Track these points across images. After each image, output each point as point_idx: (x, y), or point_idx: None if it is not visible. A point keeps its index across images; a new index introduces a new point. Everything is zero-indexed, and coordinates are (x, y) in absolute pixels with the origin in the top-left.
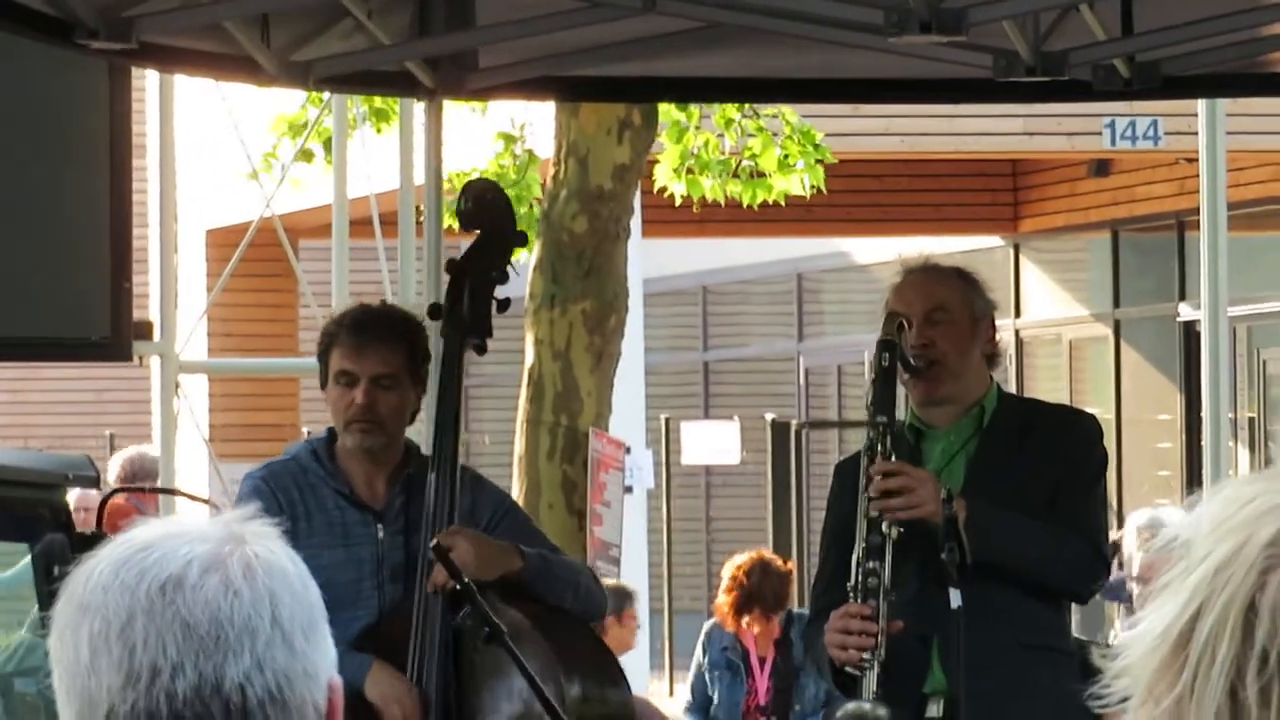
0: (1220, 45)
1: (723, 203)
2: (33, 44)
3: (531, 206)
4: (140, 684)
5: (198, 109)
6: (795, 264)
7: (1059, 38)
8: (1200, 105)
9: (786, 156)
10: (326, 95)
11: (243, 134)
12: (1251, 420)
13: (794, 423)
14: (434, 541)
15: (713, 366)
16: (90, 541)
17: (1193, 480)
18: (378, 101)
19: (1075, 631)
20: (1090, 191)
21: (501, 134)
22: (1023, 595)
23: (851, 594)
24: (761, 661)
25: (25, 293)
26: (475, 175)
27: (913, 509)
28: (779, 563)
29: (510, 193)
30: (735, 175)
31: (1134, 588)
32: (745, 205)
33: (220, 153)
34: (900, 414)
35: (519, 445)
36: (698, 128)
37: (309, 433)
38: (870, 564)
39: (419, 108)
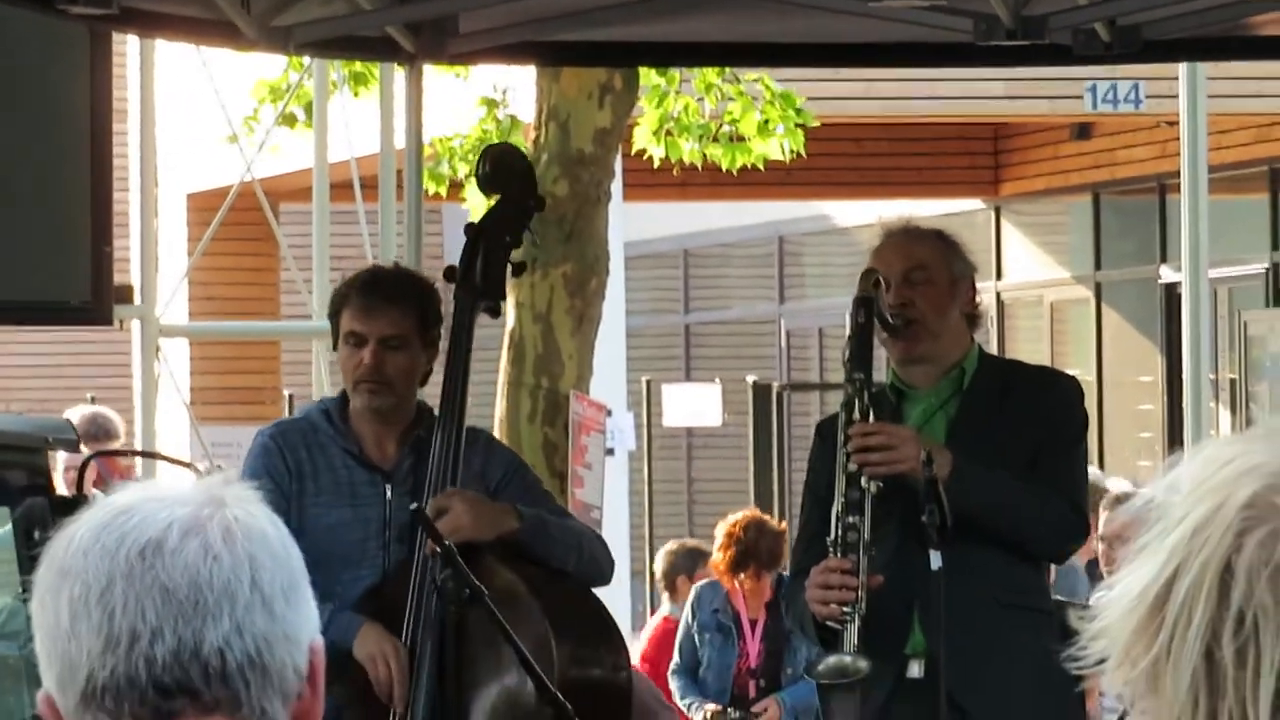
0: (1200, 8)
1: (701, 166)
2: (13, 9)
3: None
4: (120, 649)
5: (178, 73)
6: (776, 227)
7: (1039, 2)
8: (1181, 69)
9: (766, 121)
10: (307, 60)
11: (223, 98)
12: (1233, 382)
13: (775, 385)
14: (414, 505)
15: (694, 329)
16: (70, 505)
17: (1174, 442)
18: (357, 66)
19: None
20: (1071, 155)
21: (484, 99)
22: (1001, 554)
23: (831, 548)
24: (753, 624)
25: (5, 257)
26: (456, 140)
27: (893, 464)
28: (773, 522)
29: None
30: (715, 139)
31: (1098, 547)
32: (725, 169)
33: (201, 117)
34: (881, 375)
35: (500, 408)
36: (678, 92)
37: (290, 396)
38: (850, 519)
39: (399, 72)
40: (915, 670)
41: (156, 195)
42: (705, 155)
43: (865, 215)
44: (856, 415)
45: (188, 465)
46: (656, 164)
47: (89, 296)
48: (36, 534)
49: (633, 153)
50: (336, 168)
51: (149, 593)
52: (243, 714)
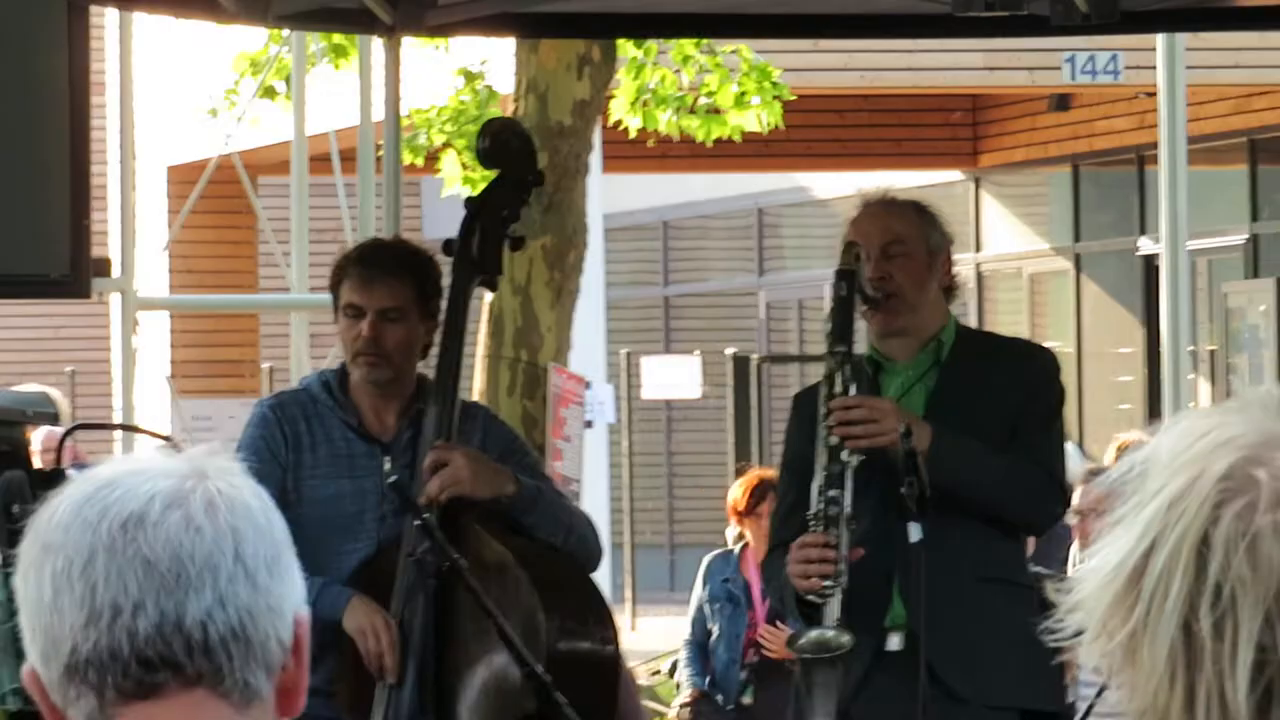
0: None
1: (678, 138)
2: None
3: None
4: (102, 622)
5: (157, 46)
6: (756, 199)
7: None
8: (1159, 40)
9: (743, 93)
10: (286, 32)
11: (203, 70)
12: (1212, 353)
13: (754, 357)
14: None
15: (673, 301)
16: (50, 479)
17: (1154, 413)
18: (336, 38)
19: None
20: (1050, 126)
21: (461, 70)
22: (979, 527)
23: (812, 522)
24: (763, 594)
25: None
26: (434, 111)
27: (874, 437)
28: None
29: (471, 129)
30: (692, 111)
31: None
32: (701, 141)
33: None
34: (860, 348)
35: (479, 381)
36: (655, 64)
37: (269, 368)
38: (831, 492)
39: (378, 44)
40: (895, 643)
41: (135, 168)
42: (682, 127)
43: (844, 187)
44: (838, 389)
45: (167, 439)
46: (633, 135)
47: (67, 270)
48: (15, 508)
49: (610, 124)
50: (315, 140)
51: (131, 565)
52: (226, 686)
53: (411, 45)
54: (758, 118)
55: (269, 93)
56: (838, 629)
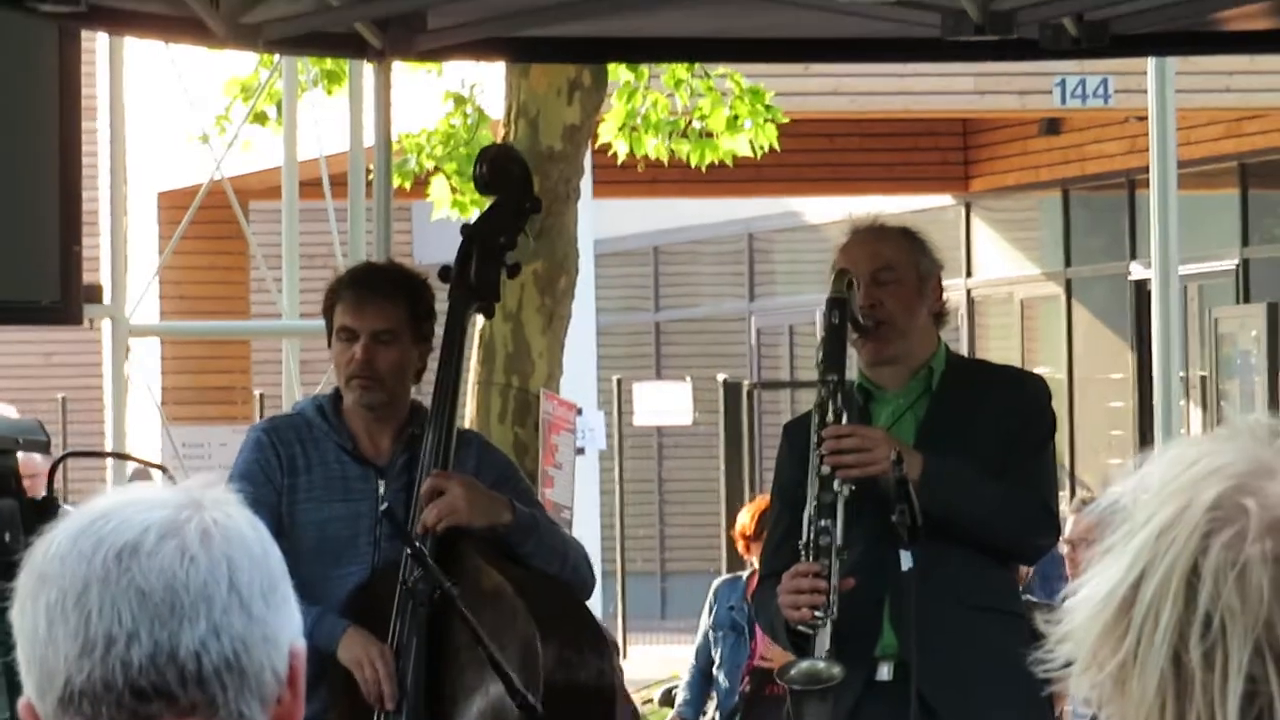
0: (1169, 4)
1: (669, 163)
2: None
3: None
4: (96, 653)
5: (148, 71)
6: (746, 224)
7: None
8: (1150, 64)
9: (736, 117)
10: (277, 57)
11: (193, 96)
12: (1203, 379)
13: (746, 383)
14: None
15: (664, 327)
16: (41, 507)
17: (1144, 439)
18: (329, 63)
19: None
20: (1041, 150)
21: (450, 94)
22: (971, 556)
23: (803, 552)
24: None
25: None
26: (425, 135)
27: (866, 467)
28: None
29: (462, 153)
30: (684, 135)
31: (1063, 549)
32: (693, 166)
33: (171, 115)
34: (849, 375)
35: (470, 407)
36: (647, 88)
37: (261, 395)
38: (822, 522)
39: (369, 69)
40: (885, 672)
41: (126, 194)
42: (673, 151)
43: (835, 212)
44: (830, 418)
45: (159, 467)
46: (621, 159)
47: (58, 296)
48: (7, 536)
49: (605, 149)
50: (306, 165)
51: (125, 596)
52: (220, 717)
53: (401, 68)
54: (750, 141)
55: (260, 118)
56: (828, 660)
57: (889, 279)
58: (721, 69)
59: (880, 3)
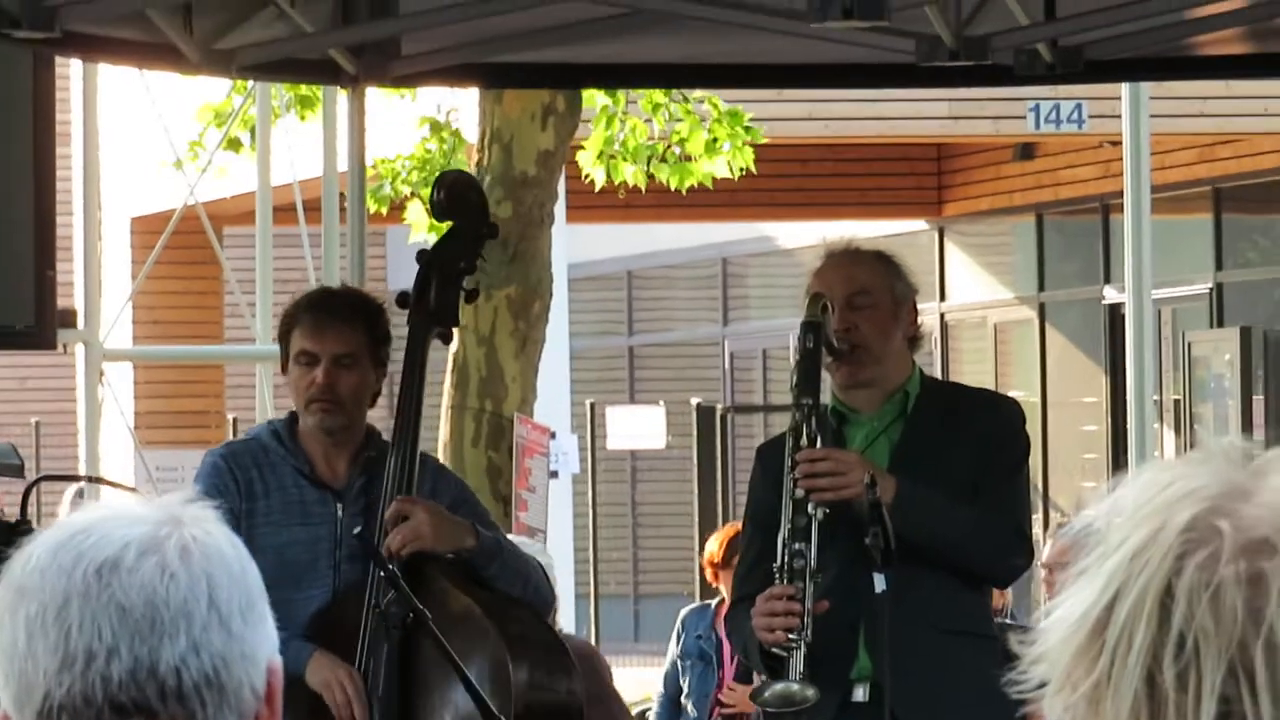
0: (1143, 29)
1: (644, 188)
2: None
3: None
4: (76, 667)
5: (122, 97)
6: (720, 248)
7: (981, 22)
8: (1124, 89)
9: (715, 140)
10: (251, 83)
11: (167, 122)
12: (1177, 403)
13: (719, 407)
14: (357, 529)
15: (638, 351)
16: (15, 529)
17: (1118, 462)
18: (303, 89)
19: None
20: (1015, 175)
21: (426, 118)
22: (944, 579)
23: (778, 575)
24: (734, 654)
25: None
26: (400, 160)
27: (840, 490)
28: None
29: None
30: (663, 160)
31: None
32: (674, 189)
33: (145, 140)
34: (824, 398)
35: (444, 431)
36: (625, 113)
37: (234, 420)
38: (796, 545)
39: (343, 94)
40: (860, 694)
41: (100, 219)
42: (652, 176)
43: (809, 236)
44: (805, 441)
45: (132, 490)
46: (598, 188)
47: (32, 321)
48: None
49: (580, 175)
50: (279, 191)
51: (105, 611)
52: None
53: (376, 93)
54: (728, 164)
55: (233, 144)
56: (802, 682)
57: (864, 303)
58: (699, 93)
59: (855, 28)
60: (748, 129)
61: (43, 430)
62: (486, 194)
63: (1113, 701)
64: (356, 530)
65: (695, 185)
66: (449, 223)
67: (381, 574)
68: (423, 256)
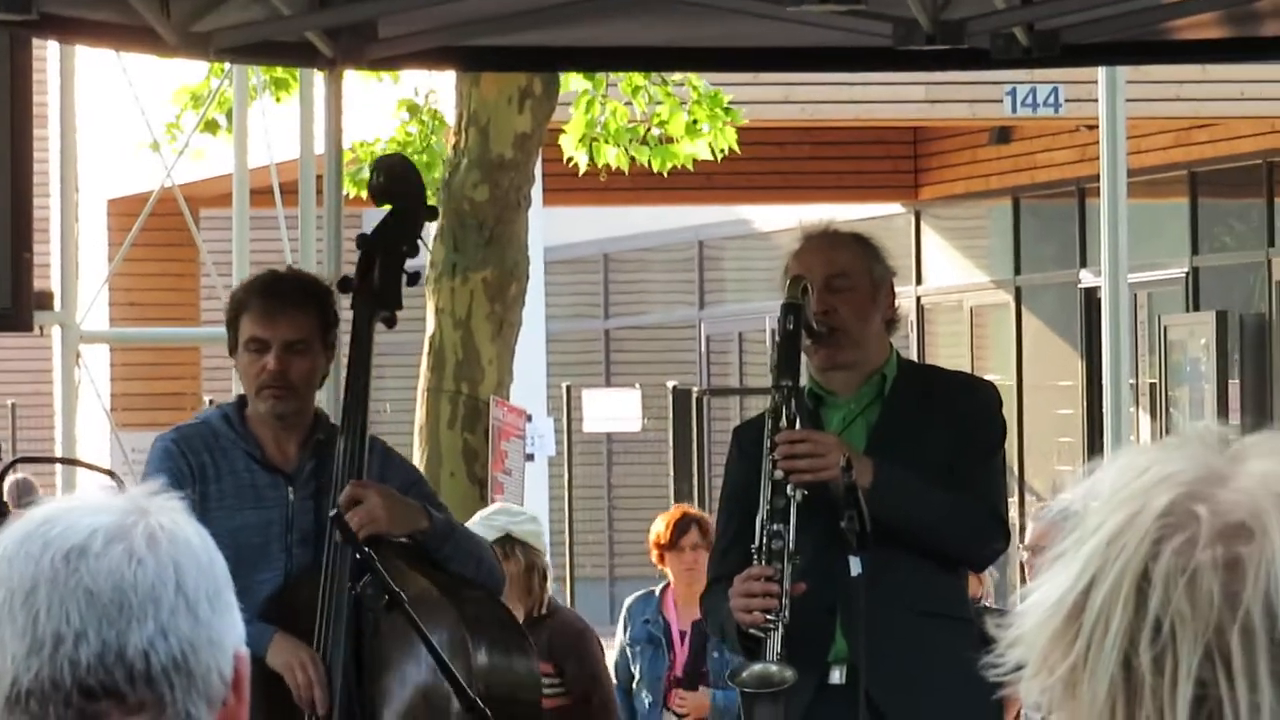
0: (1119, 13)
1: (627, 170)
2: None
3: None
4: (44, 652)
5: (99, 79)
6: (696, 231)
7: (958, 6)
8: (1100, 73)
9: (695, 121)
10: (228, 65)
11: (144, 104)
12: (1152, 386)
13: (695, 390)
14: (333, 511)
15: (614, 334)
16: None
17: (1094, 446)
18: (278, 71)
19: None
20: (991, 159)
21: (404, 101)
22: (919, 562)
23: (755, 556)
24: (682, 635)
25: None
26: (379, 143)
27: (818, 472)
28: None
29: (419, 159)
30: (644, 142)
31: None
32: (655, 171)
33: (122, 122)
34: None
35: (420, 414)
36: (605, 96)
37: (211, 401)
38: (774, 526)
39: (319, 77)
40: (836, 676)
41: (77, 201)
42: (632, 159)
43: (785, 220)
44: (784, 422)
45: (108, 472)
46: (582, 171)
47: (9, 303)
48: None
49: (558, 158)
50: (256, 173)
51: (73, 596)
52: (167, 716)
53: (354, 76)
54: (710, 145)
55: (210, 126)
56: (780, 663)
57: (843, 285)
58: (679, 75)
59: (832, 11)
60: (727, 110)
61: (19, 412)
62: (463, 177)
63: (1089, 685)
64: (333, 513)
65: (677, 167)
66: (388, 205)
67: (357, 556)
68: (363, 241)
